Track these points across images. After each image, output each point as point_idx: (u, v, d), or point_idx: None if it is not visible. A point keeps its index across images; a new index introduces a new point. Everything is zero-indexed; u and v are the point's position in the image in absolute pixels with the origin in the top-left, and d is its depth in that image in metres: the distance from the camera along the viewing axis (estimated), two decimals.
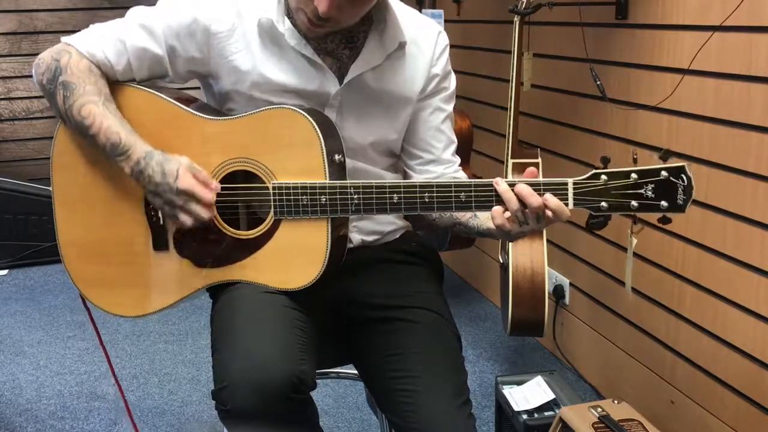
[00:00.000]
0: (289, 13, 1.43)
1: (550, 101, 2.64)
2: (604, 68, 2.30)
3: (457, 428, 1.37)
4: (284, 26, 1.42)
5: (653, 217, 1.29)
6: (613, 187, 1.28)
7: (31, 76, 1.49)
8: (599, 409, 1.87)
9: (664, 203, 1.27)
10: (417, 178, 1.57)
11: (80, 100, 1.39)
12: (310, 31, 1.40)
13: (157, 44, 1.43)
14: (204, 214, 1.37)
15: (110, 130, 1.38)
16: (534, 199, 1.28)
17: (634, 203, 1.27)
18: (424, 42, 1.52)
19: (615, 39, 2.27)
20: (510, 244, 2.33)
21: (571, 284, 2.70)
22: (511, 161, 2.37)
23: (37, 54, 1.47)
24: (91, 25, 1.47)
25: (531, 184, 1.29)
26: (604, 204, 1.28)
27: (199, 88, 1.58)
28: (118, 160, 1.39)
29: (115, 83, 1.45)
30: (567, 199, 1.29)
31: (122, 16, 1.50)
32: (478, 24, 3.16)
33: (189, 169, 1.36)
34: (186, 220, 1.37)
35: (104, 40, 1.43)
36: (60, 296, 3.47)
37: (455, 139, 1.61)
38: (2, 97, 4.01)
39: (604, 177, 1.28)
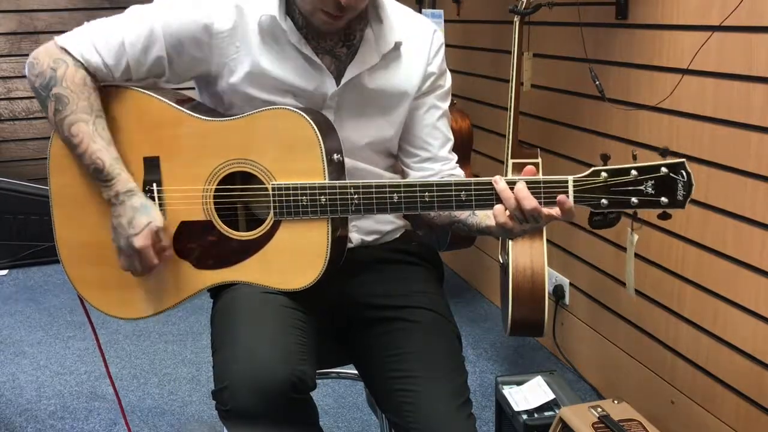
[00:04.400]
0: (289, 12, 1.43)
1: (550, 101, 2.64)
2: (604, 68, 2.30)
3: (457, 428, 1.37)
4: (285, 24, 1.42)
5: (653, 213, 1.29)
6: (614, 184, 1.28)
7: None
8: (599, 409, 1.87)
9: (664, 199, 1.27)
10: (414, 176, 1.58)
11: (71, 117, 1.38)
12: (330, 26, 1.40)
13: (157, 45, 1.42)
14: (139, 272, 1.41)
15: (95, 155, 1.38)
16: (528, 202, 1.28)
17: (634, 200, 1.27)
18: (419, 41, 1.53)
19: (615, 39, 2.27)
20: (510, 244, 2.33)
21: (571, 284, 2.70)
22: (511, 161, 2.37)
23: None
24: (86, 23, 1.45)
25: (531, 182, 1.29)
26: (604, 201, 1.28)
27: (193, 88, 1.58)
28: (100, 185, 1.41)
29: (112, 86, 1.45)
30: (567, 197, 1.29)
31: None
32: (478, 24, 3.16)
33: (154, 232, 1.38)
34: (122, 265, 1.42)
35: (102, 42, 1.41)
36: (60, 296, 3.47)
37: (452, 137, 1.61)
38: (2, 97, 4.01)
39: (604, 174, 1.28)
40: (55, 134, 1.46)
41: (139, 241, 1.37)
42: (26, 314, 3.31)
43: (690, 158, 2.00)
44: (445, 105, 1.60)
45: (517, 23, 2.33)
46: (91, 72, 1.42)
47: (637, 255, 2.25)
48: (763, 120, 1.79)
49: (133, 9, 1.44)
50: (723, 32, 1.87)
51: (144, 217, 1.38)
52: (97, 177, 1.40)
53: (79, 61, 1.41)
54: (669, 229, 2.14)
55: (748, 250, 1.88)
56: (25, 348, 2.99)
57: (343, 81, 1.46)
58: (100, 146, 1.39)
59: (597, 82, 2.22)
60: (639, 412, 1.88)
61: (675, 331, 2.18)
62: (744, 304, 1.92)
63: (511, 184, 1.30)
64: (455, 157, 1.62)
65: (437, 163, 1.58)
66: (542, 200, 1.29)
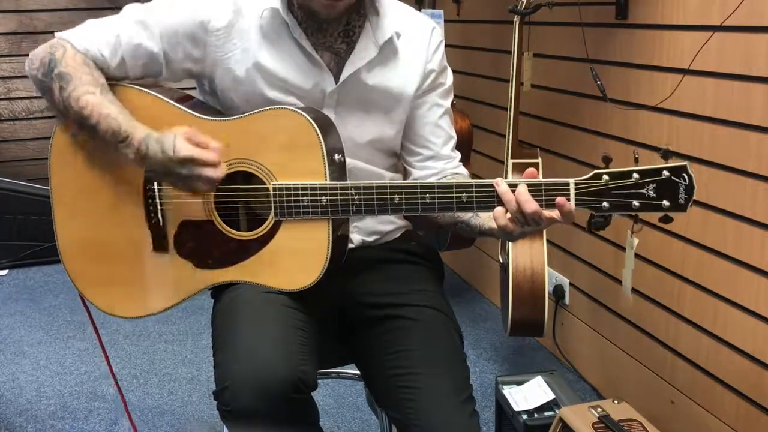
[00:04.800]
0: (290, 8, 1.44)
1: (550, 101, 2.64)
2: (604, 68, 2.30)
3: (460, 424, 1.37)
4: (288, 18, 1.42)
5: (654, 216, 1.29)
6: (615, 187, 1.27)
7: None
8: (599, 409, 1.87)
9: (665, 203, 1.26)
10: (417, 174, 1.58)
11: (77, 91, 1.37)
12: (330, 9, 1.39)
13: (153, 41, 1.43)
14: (213, 174, 1.33)
15: (109, 118, 1.36)
16: (529, 205, 1.27)
17: (635, 203, 1.27)
18: (417, 38, 1.53)
19: (615, 39, 2.27)
20: (510, 244, 2.33)
21: (571, 284, 2.70)
22: (511, 161, 2.37)
23: None
24: (86, 21, 1.46)
25: (532, 185, 1.29)
26: (605, 204, 1.28)
27: (195, 88, 1.58)
28: (121, 147, 1.37)
29: (111, 84, 1.44)
30: (569, 200, 1.29)
31: None
32: (477, 24, 3.16)
33: (185, 137, 1.34)
34: (200, 186, 1.34)
35: (99, 36, 1.42)
36: (60, 296, 3.47)
37: (454, 135, 1.61)
38: (2, 97, 4.00)
39: (605, 177, 1.27)
40: (57, 131, 1.46)
41: (182, 151, 1.31)
42: (26, 314, 3.31)
43: (690, 158, 2.00)
44: (447, 103, 1.59)
45: (517, 23, 2.33)
46: (90, 59, 1.41)
47: (637, 255, 2.25)
48: (763, 120, 1.79)
49: (131, 7, 1.45)
50: (723, 32, 1.87)
51: (167, 137, 1.34)
52: (116, 139, 1.36)
53: (78, 48, 1.41)
54: (669, 229, 2.14)
55: (748, 250, 1.88)
56: (25, 348, 2.99)
57: (342, 77, 1.46)
58: (111, 110, 1.37)
59: (598, 82, 2.22)
60: (639, 412, 1.88)
61: (675, 331, 2.18)
62: (744, 304, 1.92)
63: (513, 187, 1.29)
64: (458, 155, 1.61)
65: (440, 161, 1.58)
66: (543, 203, 1.28)
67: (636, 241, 1.42)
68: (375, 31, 1.47)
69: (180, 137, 1.33)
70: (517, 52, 2.34)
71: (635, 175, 1.26)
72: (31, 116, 4.06)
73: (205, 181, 1.34)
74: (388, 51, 1.49)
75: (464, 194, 1.33)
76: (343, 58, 1.48)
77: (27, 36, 3.95)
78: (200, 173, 1.33)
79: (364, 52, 1.47)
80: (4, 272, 3.75)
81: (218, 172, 1.34)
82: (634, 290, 2.30)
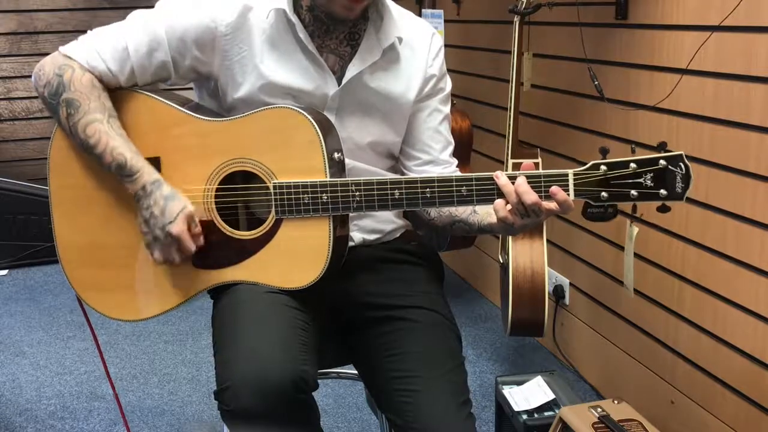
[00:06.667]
0: (296, 10, 1.44)
1: (550, 101, 2.65)
2: (603, 68, 2.30)
3: (457, 428, 1.37)
4: (294, 18, 1.42)
5: (653, 209, 1.30)
6: (613, 177, 1.29)
7: (31, 76, 1.47)
8: (599, 409, 1.87)
9: (663, 192, 1.28)
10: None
11: (85, 119, 1.39)
12: (350, 12, 1.40)
13: (161, 49, 1.42)
14: (176, 260, 1.40)
15: (116, 151, 1.38)
16: (528, 196, 1.29)
17: (633, 192, 1.29)
18: (418, 43, 1.54)
19: (614, 39, 2.27)
20: (510, 244, 2.34)
21: (571, 284, 2.70)
22: (511, 161, 2.38)
23: (37, 54, 1.47)
24: (90, 31, 1.45)
25: (531, 177, 1.30)
26: (604, 194, 1.30)
27: (191, 88, 1.58)
28: (125, 180, 1.40)
29: (113, 89, 1.45)
30: (568, 191, 1.30)
31: (123, 16, 1.48)
32: (478, 24, 3.16)
33: (188, 218, 1.38)
34: (158, 257, 1.40)
35: (106, 49, 1.42)
36: (60, 296, 3.48)
37: (452, 141, 1.62)
38: (2, 97, 4.00)
39: (603, 167, 1.29)
40: (57, 134, 1.46)
41: (176, 228, 1.36)
42: (26, 314, 3.31)
43: (690, 158, 2.00)
44: (447, 109, 1.61)
45: (517, 23, 2.34)
46: (97, 76, 1.42)
47: (637, 255, 2.25)
48: (763, 120, 1.80)
49: (136, 14, 1.45)
50: (722, 32, 1.87)
51: (176, 203, 1.38)
52: (120, 173, 1.39)
53: (85, 67, 1.41)
54: (669, 229, 2.14)
55: (748, 250, 1.88)
56: (25, 348, 2.99)
57: (344, 80, 1.46)
58: (118, 143, 1.39)
59: (596, 82, 2.23)
60: (639, 412, 1.88)
61: (675, 331, 2.18)
62: (744, 304, 1.92)
63: (512, 179, 1.31)
64: (455, 161, 1.62)
65: (438, 166, 1.59)
66: (542, 194, 1.30)
67: (636, 230, 1.44)
68: (378, 34, 1.48)
69: (184, 214, 1.37)
70: (517, 52, 2.34)
71: (632, 165, 1.28)
72: (31, 116, 4.06)
73: (167, 258, 1.40)
74: (390, 55, 1.50)
75: (464, 187, 1.33)
76: (346, 61, 1.48)
77: (27, 36, 3.95)
78: (170, 252, 1.39)
79: (367, 55, 1.47)
80: (4, 272, 3.75)
81: (180, 262, 1.40)
82: (634, 290, 2.30)
